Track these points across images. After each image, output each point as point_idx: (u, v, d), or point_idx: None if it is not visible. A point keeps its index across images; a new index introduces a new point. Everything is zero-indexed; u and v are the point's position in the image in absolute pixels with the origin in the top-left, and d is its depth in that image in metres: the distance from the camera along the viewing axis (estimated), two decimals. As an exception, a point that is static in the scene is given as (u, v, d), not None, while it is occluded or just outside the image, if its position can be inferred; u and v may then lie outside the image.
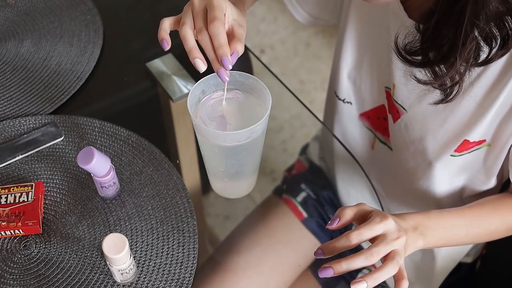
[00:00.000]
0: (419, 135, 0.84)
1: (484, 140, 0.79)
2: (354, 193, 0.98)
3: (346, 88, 0.93)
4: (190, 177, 0.92)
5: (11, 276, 0.77)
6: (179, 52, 1.05)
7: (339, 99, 0.95)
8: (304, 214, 0.95)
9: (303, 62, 2.14)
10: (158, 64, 1.03)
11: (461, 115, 0.78)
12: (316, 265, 0.92)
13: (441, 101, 0.72)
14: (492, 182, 0.86)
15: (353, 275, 0.86)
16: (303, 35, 2.22)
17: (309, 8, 0.96)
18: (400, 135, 0.87)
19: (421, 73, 0.71)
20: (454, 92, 0.70)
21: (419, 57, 0.69)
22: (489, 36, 0.64)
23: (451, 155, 0.82)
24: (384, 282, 0.87)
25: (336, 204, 0.97)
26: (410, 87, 0.81)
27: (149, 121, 0.99)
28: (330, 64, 1.02)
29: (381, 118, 0.91)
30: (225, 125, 0.76)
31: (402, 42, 0.71)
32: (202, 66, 0.70)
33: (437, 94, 0.74)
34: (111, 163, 0.80)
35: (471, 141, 0.79)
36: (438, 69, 0.68)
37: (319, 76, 2.09)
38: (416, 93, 0.81)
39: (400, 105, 0.84)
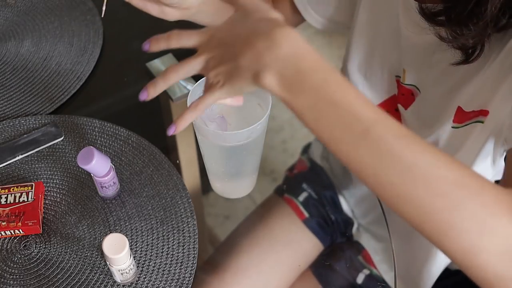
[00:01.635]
0: (431, 116, 0.83)
1: (481, 112, 0.78)
2: (355, 192, 0.98)
3: (355, 83, 0.93)
4: (190, 177, 0.92)
5: (11, 276, 0.77)
6: (179, 52, 1.05)
7: None
8: (306, 214, 0.95)
9: (304, 62, 2.14)
10: (158, 64, 1.03)
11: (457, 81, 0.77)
12: (316, 266, 0.92)
13: (462, 62, 0.72)
14: (491, 166, 0.84)
15: (353, 275, 0.86)
16: (303, 35, 2.20)
17: (324, 10, 0.95)
18: (412, 121, 0.87)
19: (444, 33, 0.71)
20: (475, 53, 0.70)
21: (442, 17, 0.69)
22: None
23: (452, 127, 0.81)
24: (385, 282, 0.87)
25: (337, 204, 0.96)
26: (423, 70, 0.80)
27: (149, 121, 0.99)
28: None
29: (392, 110, 0.91)
30: (225, 125, 0.76)
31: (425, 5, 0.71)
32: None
33: (450, 75, 0.74)
34: (111, 163, 0.80)
35: (465, 110, 0.78)
36: (459, 30, 0.68)
37: (319, 76, 2.09)
38: (430, 76, 0.80)
39: (415, 86, 0.83)
